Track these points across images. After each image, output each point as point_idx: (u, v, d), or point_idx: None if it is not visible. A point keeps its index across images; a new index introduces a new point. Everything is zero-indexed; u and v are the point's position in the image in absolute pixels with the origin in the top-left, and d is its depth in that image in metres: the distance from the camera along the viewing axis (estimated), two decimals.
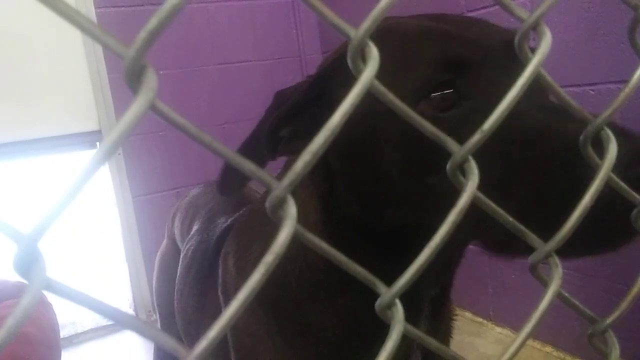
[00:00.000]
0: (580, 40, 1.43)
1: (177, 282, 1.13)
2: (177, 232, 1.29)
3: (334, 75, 0.61)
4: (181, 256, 1.15)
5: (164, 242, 1.41)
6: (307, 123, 0.60)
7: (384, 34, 0.54)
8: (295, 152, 0.64)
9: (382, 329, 0.33)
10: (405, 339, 0.29)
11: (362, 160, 0.57)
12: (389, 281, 0.29)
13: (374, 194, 0.58)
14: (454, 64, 0.51)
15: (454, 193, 0.47)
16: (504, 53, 0.52)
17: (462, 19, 0.59)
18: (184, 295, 1.05)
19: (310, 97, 0.61)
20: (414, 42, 0.55)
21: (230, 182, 0.62)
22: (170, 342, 0.29)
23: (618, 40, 1.32)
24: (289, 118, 0.60)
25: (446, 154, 0.47)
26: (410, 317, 0.29)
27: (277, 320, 0.71)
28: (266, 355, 0.72)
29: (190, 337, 1.06)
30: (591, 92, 1.41)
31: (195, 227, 1.16)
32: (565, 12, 1.46)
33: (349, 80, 0.57)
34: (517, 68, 0.53)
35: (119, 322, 0.28)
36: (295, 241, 0.26)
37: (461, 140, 0.50)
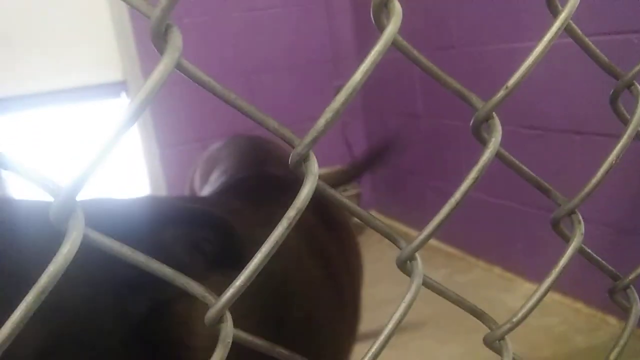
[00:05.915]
0: None
1: None
2: (197, 187, 1.28)
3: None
4: None
5: None
6: None
7: None
8: None
9: None
10: None
11: None
12: None
13: None
14: None
15: None
16: None
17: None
18: None
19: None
20: None
21: None
22: (198, 289, 0.30)
23: None
24: None
25: None
26: None
27: None
28: None
29: None
30: (635, 40, 1.32)
31: (214, 176, 1.14)
32: None
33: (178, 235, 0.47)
34: None
35: (153, 269, 0.30)
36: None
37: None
